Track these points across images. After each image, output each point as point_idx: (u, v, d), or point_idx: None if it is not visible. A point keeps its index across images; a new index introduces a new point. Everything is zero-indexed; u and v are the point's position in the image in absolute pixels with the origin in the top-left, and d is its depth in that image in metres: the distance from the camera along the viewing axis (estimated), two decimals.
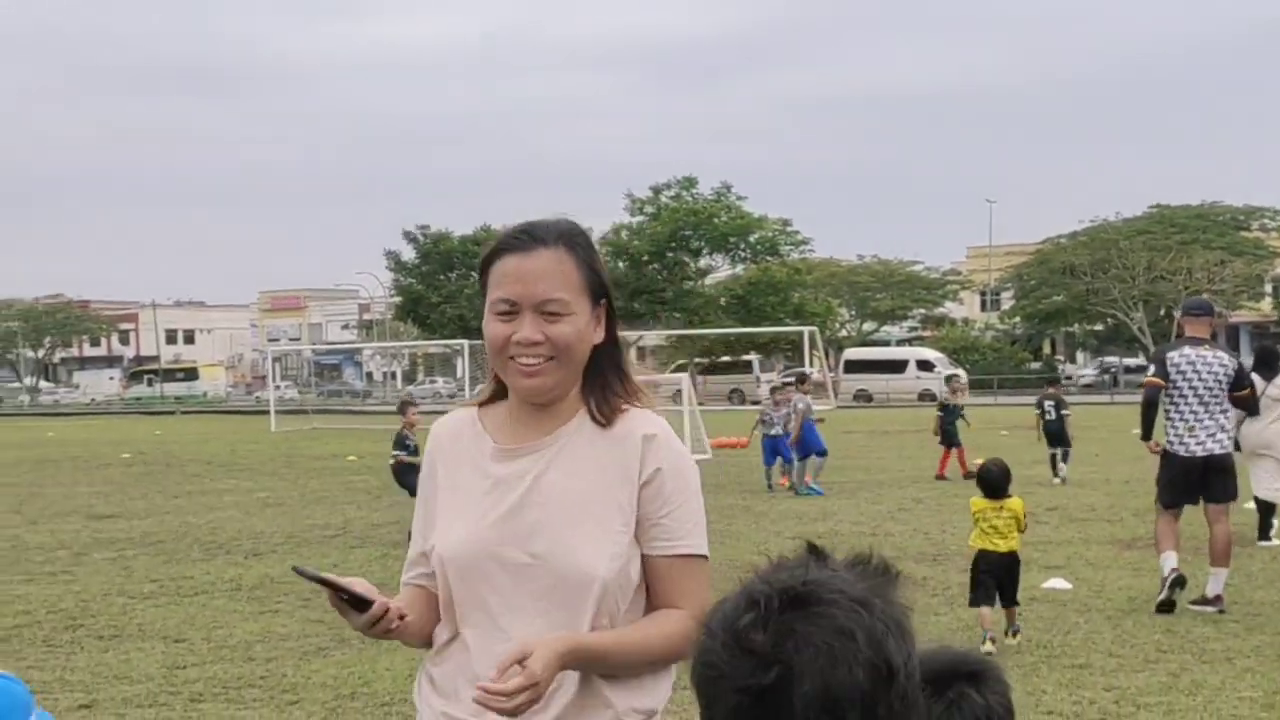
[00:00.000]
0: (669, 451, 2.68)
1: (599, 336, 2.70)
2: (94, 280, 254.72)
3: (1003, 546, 8.85)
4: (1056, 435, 20.76)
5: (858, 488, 19.87)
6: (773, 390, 22.81)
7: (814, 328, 54.42)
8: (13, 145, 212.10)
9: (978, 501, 9.00)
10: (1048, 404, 21.10)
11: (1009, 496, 8.98)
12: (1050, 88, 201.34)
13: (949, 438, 21.50)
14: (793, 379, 26.32)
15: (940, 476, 20.91)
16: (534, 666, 2.40)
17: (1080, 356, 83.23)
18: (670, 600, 2.65)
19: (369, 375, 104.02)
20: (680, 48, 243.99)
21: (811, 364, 52.37)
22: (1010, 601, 8.98)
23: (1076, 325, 76.77)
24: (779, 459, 20.40)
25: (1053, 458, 20.64)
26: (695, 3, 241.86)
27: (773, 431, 20.40)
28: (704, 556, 2.70)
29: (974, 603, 8.95)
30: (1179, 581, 9.78)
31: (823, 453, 19.99)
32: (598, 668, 2.57)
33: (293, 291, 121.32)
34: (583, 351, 2.68)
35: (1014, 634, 8.91)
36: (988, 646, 8.36)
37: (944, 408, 22.19)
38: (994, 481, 8.95)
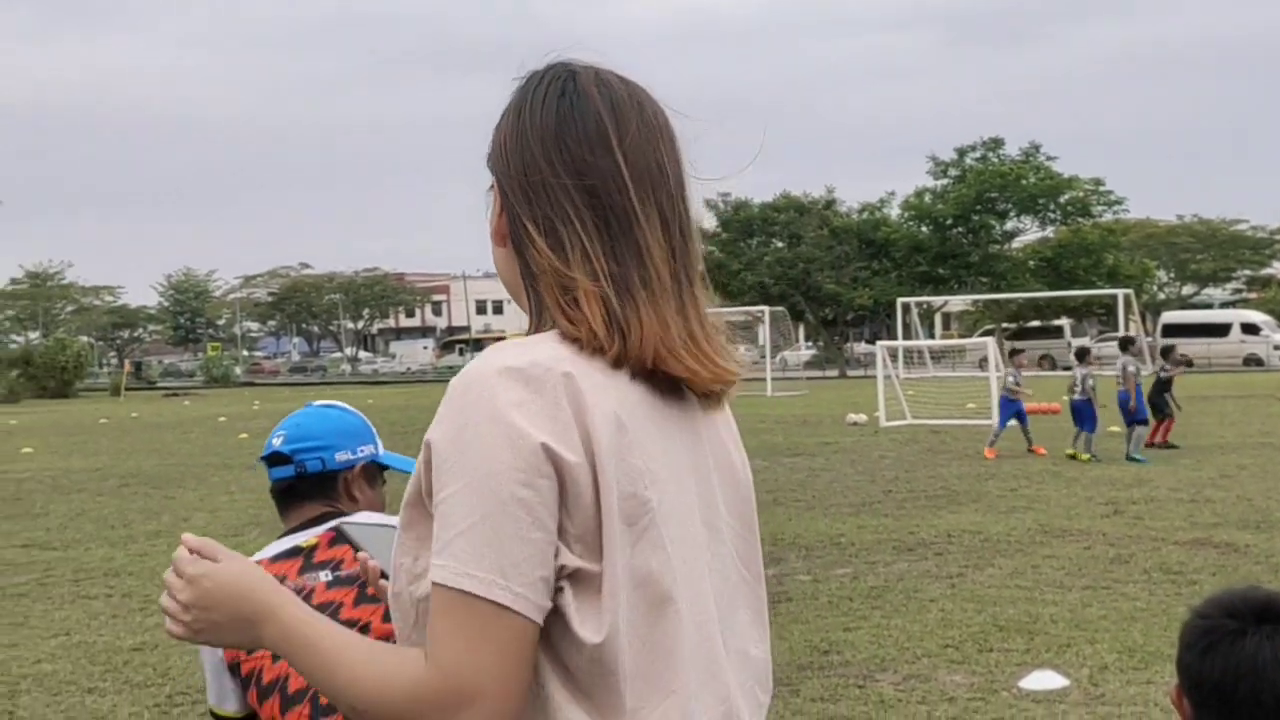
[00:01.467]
0: (448, 409, 1.58)
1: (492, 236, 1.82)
2: (409, 253, 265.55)
3: None
4: None
5: (1176, 454, 19.02)
6: (1012, 354, 22.85)
7: (1129, 291, 52.33)
8: (326, 129, 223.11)
9: None
10: None
11: None
12: None
13: (1159, 410, 20.26)
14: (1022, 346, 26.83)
15: (1152, 444, 19.93)
16: (193, 570, 1.65)
17: None
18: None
19: None
20: (982, 6, 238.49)
21: (1128, 328, 50.52)
22: None
23: None
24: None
25: None
26: None
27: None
28: (458, 591, 1.49)
29: None
30: None
31: (1144, 422, 19.20)
32: (292, 656, 1.60)
33: None
34: (495, 254, 1.83)
35: None
36: None
37: (1161, 380, 20.71)
38: None
